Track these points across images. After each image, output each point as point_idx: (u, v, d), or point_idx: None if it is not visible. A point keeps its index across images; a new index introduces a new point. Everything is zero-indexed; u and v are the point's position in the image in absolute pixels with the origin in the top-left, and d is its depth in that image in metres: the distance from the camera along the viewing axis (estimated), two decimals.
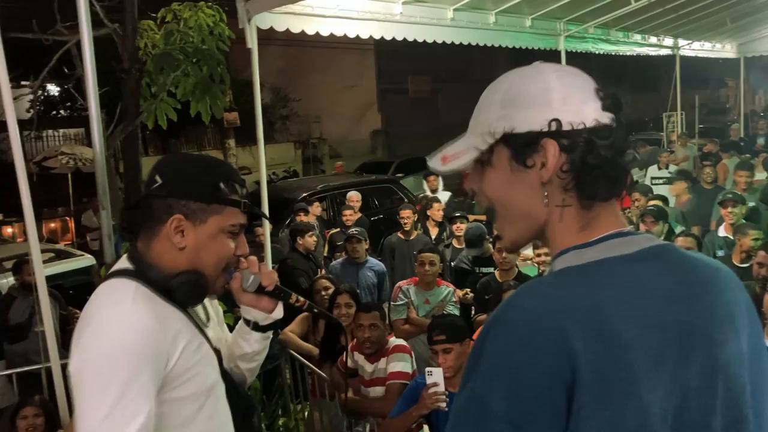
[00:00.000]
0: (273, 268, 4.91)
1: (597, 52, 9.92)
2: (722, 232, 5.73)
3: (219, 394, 1.67)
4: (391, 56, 23.21)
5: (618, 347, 0.89)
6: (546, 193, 1.03)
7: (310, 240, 6.41)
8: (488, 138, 1.05)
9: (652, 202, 6.34)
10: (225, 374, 1.72)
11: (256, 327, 1.79)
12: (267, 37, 5.86)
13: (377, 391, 3.88)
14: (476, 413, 0.92)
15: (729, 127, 16.23)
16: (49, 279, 3.97)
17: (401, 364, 3.84)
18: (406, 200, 10.15)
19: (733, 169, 7.70)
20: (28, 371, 4.52)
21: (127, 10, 3.23)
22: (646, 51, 11.95)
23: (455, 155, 1.10)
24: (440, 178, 9.53)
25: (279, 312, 1.79)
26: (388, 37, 6.45)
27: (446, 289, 5.13)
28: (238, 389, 1.81)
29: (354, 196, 8.47)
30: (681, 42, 12.56)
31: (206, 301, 1.74)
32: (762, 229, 5.40)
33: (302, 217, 7.24)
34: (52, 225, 12.49)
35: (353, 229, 6.15)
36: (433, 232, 7.42)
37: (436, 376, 3.22)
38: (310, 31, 5.74)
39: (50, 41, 3.21)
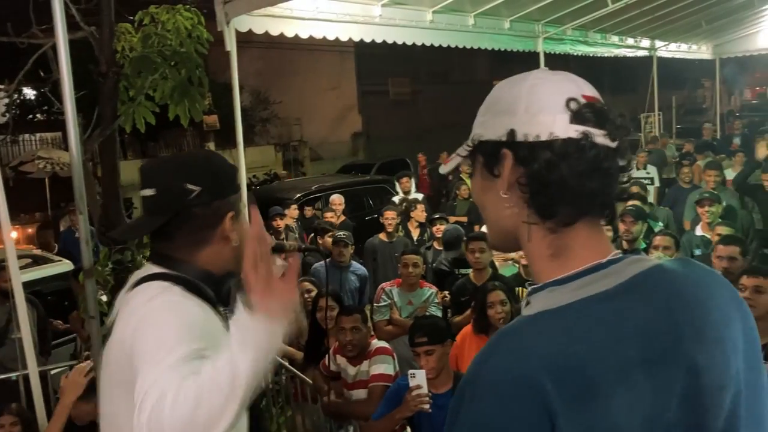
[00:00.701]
0: None
1: (575, 54, 10.03)
2: (699, 231, 5.80)
3: None
4: (372, 58, 23.16)
5: (597, 399, 0.86)
6: (507, 206, 1.00)
7: (329, 241, 6.34)
8: (468, 144, 1.06)
9: (630, 202, 6.40)
10: None
11: None
12: (246, 39, 5.83)
13: (360, 393, 3.88)
14: None
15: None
16: (27, 285, 3.92)
17: (384, 366, 3.84)
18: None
19: (703, 169, 7.79)
20: (4, 379, 4.45)
21: (103, 13, 3.18)
22: (623, 52, 12.11)
23: (450, 158, 1.12)
24: (413, 180, 9.52)
25: None
26: (367, 40, 6.45)
27: (429, 290, 5.15)
28: None
29: (336, 199, 8.39)
30: (658, 43, 12.72)
31: None
32: (737, 228, 5.48)
33: (278, 222, 7.14)
34: (30, 230, 12.31)
35: (340, 233, 6.12)
36: (415, 233, 7.43)
37: (419, 378, 3.23)
38: (289, 34, 5.72)
39: (26, 44, 3.16)
